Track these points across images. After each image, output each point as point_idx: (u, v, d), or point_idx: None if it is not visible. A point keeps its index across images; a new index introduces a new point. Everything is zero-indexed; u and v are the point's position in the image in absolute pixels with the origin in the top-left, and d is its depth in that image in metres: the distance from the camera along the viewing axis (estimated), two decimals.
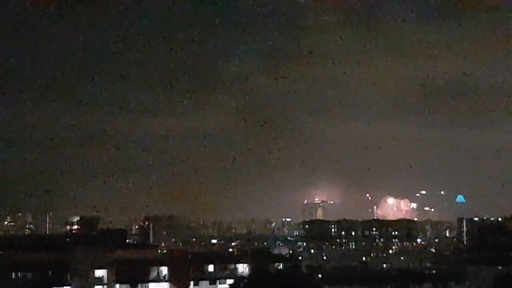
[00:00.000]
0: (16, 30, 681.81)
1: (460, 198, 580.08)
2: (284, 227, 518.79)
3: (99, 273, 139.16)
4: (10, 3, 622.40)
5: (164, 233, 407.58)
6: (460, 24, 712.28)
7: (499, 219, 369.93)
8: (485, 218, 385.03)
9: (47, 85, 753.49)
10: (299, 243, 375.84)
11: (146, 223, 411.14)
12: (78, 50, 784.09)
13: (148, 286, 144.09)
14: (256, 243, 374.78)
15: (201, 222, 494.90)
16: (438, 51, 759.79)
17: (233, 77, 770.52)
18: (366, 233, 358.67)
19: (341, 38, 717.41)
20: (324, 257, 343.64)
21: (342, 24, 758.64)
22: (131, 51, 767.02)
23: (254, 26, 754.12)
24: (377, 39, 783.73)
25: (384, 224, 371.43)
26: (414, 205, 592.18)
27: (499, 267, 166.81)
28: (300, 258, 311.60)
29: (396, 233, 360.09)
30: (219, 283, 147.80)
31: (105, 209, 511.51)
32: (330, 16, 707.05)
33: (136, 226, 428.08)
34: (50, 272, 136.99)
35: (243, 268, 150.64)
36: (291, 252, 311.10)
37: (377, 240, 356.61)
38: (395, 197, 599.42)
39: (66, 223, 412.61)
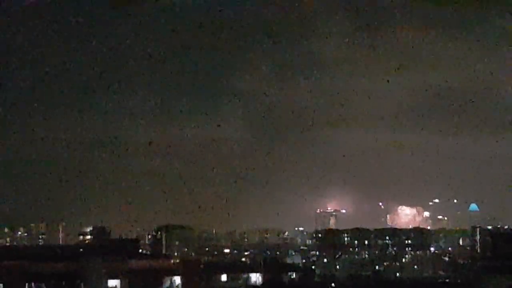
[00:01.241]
0: (14, 33, 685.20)
1: (473, 206, 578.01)
2: (296, 236, 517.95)
3: (113, 283, 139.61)
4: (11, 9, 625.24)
5: (177, 243, 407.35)
6: (467, 34, 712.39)
7: None
8: (498, 226, 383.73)
9: (59, 92, 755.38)
10: (312, 252, 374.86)
11: (159, 233, 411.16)
12: (86, 56, 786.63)
13: None
14: (268, 253, 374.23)
15: (214, 232, 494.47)
16: (450, 60, 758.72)
17: (246, 87, 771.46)
18: (379, 241, 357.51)
19: (353, 48, 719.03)
20: (337, 266, 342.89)
21: (353, 35, 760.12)
22: (143, 61, 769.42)
23: (265, 36, 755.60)
24: (389, 49, 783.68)
25: (397, 233, 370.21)
26: (427, 213, 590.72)
27: None
28: (313, 267, 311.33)
29: (409, 241, 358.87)
30: None
31: (118, 219, 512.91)
32: (338, 26, 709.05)
33: (149, 236, 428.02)
34: (63, 282, 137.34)
35: (256, 278, 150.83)
36: (304, 261, 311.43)
37: (390, 249, 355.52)
38: (407, 206, 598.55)
39: (79, 234, 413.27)
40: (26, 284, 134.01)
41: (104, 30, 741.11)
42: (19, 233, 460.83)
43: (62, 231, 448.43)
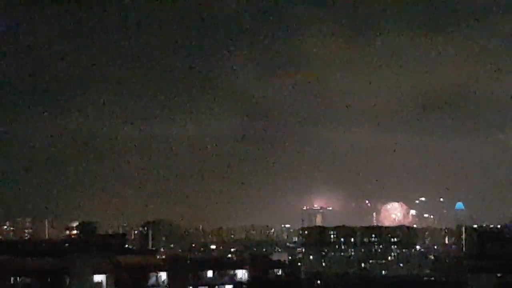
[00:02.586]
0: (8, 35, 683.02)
1: (459, 205, 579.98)
2: (283, 233, 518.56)
3: (98, 278, 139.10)
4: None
5: (163, 238, 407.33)
6: (457, 36, 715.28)
7: (498, 226, 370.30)
8: (484, 225, 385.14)
9: (47, 91, 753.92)
10: (298, 249, 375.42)
11: (145, 228, 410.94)
12: (73, 56, 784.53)
13: None
14: (255, 249, 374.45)
15: (201, 228, 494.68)
16: (438, 62, 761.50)
17: (232, 84, 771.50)
18: (365, 239, 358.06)
19: (341, 48, 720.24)
20: (323, 264, 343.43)
21: (341, 34, 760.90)
22: (130, 58, 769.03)
23: (253, 34, 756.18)
24: (377, 49, 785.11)
25: (383, 231, 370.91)
26: (413, 212, 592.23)
27: (499, 275, 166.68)
28: (299, 264, 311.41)
29: (395, 239, 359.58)
30: None
31: (104, 214, 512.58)
32: (329, 26, 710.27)
33: (135, 232, 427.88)
34: (49, 277, 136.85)
35: (242, 274, 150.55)
36: (290, 258, 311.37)
37: (376, 246, 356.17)
38: (394, 204, 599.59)
39: (65, 228, 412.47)
40: (12, 279, 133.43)
41: (90, 29, 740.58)
42: (5, 227, 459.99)
43: (48, 226, 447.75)
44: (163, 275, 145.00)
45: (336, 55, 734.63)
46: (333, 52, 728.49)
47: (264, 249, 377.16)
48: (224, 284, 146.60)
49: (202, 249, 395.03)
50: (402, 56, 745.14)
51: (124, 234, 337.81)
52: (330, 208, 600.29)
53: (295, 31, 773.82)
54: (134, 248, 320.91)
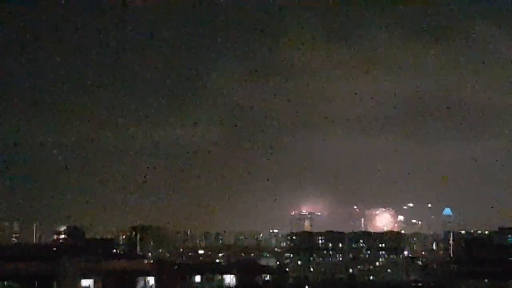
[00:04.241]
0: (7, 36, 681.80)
1: (447, 211, 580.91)
2: (271, 238, 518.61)
3: (86, 282, 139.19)
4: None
5: (151, 243, 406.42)
6: (445, 41, 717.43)
7: (486, 232, 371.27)
8: (472, 231, 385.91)
9: (34, 94, 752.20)
10: (286, 254, 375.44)
11: (133, 233, 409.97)
12: (63, 60, 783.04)
13: None
14: (243, 254, 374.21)
15: (189, 233, 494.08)
16: (424, 68, 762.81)
17: (218, 91, 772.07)
18: (353, 245, 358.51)
19: (326, 53, 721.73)
20: (311, 269, 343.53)
21: (326, 40, 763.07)
22: (118, 63, 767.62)
23: (237, 40, 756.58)
24: (363, 54, 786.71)
25: (371, 236, 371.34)
26: (401, 217, 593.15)
27: (486, 281, 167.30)
28: (287, 269, 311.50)
29: (383, 245, 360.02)
30: None
31: (92, 218, 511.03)
32: (313, 31, 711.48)
33: (123, 236, 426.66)
34: (37, 282, 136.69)
35: (230, 279, 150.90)
36: (278, 263, 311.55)
37: (364, 252, 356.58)
38: (382, 209, 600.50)
39: (53, 233, 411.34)
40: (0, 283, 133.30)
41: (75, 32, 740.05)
42: None
43: (36, 230, 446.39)
44: (151, 280, 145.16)
45: (322, 60, 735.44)
46: (319, 58, 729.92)
47: (252, 254, 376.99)
48: None
49: (190, 254, 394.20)
50: (388, 62, 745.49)
51: (112, 239, 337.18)
52: (319, 214, 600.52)
53: (281, 37, 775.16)
54: (122, 252, 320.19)
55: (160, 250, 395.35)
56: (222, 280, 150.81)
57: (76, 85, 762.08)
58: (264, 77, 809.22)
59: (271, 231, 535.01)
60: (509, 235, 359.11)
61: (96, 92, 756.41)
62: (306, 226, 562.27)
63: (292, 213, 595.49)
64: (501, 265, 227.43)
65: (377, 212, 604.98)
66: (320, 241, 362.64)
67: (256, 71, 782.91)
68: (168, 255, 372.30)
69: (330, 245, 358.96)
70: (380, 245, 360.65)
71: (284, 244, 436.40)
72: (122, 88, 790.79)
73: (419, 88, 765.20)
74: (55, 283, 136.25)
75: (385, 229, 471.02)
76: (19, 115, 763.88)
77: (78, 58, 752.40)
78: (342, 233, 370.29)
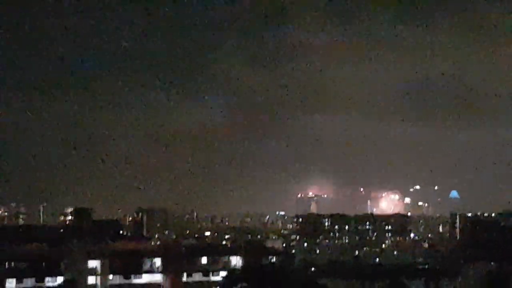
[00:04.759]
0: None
1: (453, 193, 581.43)
2: (277, 220, 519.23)
3: (93, 264, 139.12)
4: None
5: (158, 225, 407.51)
6: (451, 26, 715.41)
7: (493, 215, 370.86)
8: (478, 213, 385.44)
9: (41, 79, 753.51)
10: (293, 236, 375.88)
11: (140, 215, 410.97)
12: (69, 46, 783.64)
13: (141, 277, 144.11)
14: (249, 236, 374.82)
15: (195, 215, 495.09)
16: (432, 51, 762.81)
17: (225, 74, 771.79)
18: (360, 227, 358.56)
19: (332, 37, 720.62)
20: (317, 251, 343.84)
21: (331, 23, 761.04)
22: (121, 49, 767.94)
23: (242, 24, 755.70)
24: (369, 38, 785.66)
25: (378, 219, 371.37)
26: (407, 199, 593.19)
27: (492, 263, 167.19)
28: (293, 251, 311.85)
29: (390, 227, 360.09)
30: (212, 275, 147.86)
31: (99, 200, 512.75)
32: (318, 15, 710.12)
33: (130, 218, 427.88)
34: (43, 263, 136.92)
35: (236, 261, 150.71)
36: (284, 245, 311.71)
37: (370, 234, 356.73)
38: (388, 192, 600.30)
39: (60, 214, 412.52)
40: (6, 264, 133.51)
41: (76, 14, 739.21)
42: None
43: (43, 212, 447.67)
44: (157, 261, 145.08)
45: (329, 44, 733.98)
46: (325, 41, 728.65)
47: (258, 236, 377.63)
48: (218, 270, 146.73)
49: (196, 235, 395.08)
50: (395, 45, 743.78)
51: (118, 221, 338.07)
52: (325, 196, 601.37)
53: (286, 21, 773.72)
54: (129, 234, 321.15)
55: (167, 232, 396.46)
56: (228, 261, 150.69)
57: (82, 68, 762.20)
58: (270, 60, 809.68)
59: (277, 213, 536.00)
60: None
61: (103, 76, 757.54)
62: (312, 208, 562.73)
63: (299, 196, 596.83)
64: (507, 247, 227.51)
65: (383, 195, 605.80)
66: (326, 223, 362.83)
67: (261, 54, 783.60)
68: (174, 236, 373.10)
69: (336, 227, 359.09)
70: (386, 227, 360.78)
71: (290, 226, 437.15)
72: (128, 71, 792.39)
73: (428, 72, 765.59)
74: (62, 264, 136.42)
75: (391, 211, 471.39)
76: (24, 97, 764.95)
77: (82, 40, 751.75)
78: (348, 215, 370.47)
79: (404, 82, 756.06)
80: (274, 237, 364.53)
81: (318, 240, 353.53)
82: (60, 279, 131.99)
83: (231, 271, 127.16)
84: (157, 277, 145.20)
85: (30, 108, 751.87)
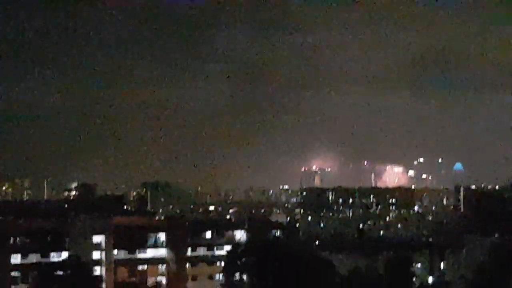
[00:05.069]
0: None
1: (458, 166, 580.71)
2: (281, 194, 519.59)
3: (97, 239, 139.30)
4: None
5: (162, 199, 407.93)
6: None
7: (497, 187, 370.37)
8: (482, 186, 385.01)
9: (45, 54, 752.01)
10: (297, 210, 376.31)
11: (144, 189, 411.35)
12: (69, 20, 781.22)
13: (146, 252, 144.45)
14: (253, 210, 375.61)
15: (199, 189, 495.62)
16: (435, 22, 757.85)
17: (226, 48, 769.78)
18: (364, 200, 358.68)
19: (337, 9, 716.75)
20: (321, 225, 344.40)
21: None
22: (122, 21, 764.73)
23: None
24: (374, 9, 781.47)
25: (382, 192, 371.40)
26: (411, 172, 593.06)
27: (496, 236, 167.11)
28: (297, 225, 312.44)
29: (394, 201, 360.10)
30: (217, 250, 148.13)
31: (103, 175, 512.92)
32: None
33: (134, 193, 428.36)
34: (48, 238, 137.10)
35: (240, 235, 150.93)
36: (288, 219, 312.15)
37: (374, 208, 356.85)
38: (392, 165, 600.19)
39: (64, 189, 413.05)
40: (11, 240, 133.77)
41: None
42: (4, 188, 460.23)
43: (47, 187, 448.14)
44: (162, 236, 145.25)
45: (332, 16, 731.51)
46: (329, 14, 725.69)
47: (262, 210, 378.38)
48: (222, 245, 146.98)
49: (200, 210, 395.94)
50: (400, 17, 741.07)
51: (122, 196, 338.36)
52: (329, 169, 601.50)
53: None
54: (133, 209, 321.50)
55: (171, 207, 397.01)
56: (233, 236, 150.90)
57: (85, 44, 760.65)
58: (273, 34, 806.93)
59: (281, 187, 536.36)
60: None
61: (108, 51, 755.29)
62: (316, 182, 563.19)
63: (302, 169, 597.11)
64: (511, 220, 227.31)
65: (387, 168, 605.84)
66: (330, 197, 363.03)
67: (264, 28, 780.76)
68: (178, 211, 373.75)
69: (340, 201, 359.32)
70: (390, 200, 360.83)
71: (294, 200, 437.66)
72: (130, 49, 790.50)
73: (430, 43, 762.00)
74: (66, 239, 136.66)
75: (395, 184, 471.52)
76: (27, 73, 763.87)
77: (87, 20, 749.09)
78: (352, 188, 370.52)
79: (409, 54, 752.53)
80: (278, 211, 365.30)
81: (322, 214, 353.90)
82: (64, 254, 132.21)
83: (236, 245, 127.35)
84: (162, 252, 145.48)
85: (35, 83, 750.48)
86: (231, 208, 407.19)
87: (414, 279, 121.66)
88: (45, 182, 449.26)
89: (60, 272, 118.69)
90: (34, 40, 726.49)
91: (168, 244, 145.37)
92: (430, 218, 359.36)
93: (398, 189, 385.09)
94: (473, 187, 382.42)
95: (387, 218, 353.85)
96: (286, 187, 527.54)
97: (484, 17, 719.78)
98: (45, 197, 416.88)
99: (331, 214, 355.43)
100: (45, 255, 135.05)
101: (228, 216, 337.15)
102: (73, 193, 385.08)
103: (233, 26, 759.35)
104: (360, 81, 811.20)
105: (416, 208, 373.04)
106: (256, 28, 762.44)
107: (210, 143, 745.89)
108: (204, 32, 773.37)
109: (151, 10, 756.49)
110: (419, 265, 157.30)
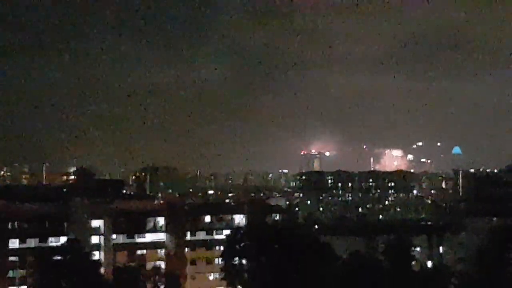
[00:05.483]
0: None
1: (456, 149, 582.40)
2: (281, 178, 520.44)
3: (96, 223, 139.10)
4: None
5: (161, 183, 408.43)
6: None
7: (495, 170, 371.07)
8: (481, 169, 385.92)
9: (41, 39, 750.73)
10: (296, 194, 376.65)
11: (143, 174, 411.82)
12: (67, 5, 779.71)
13: (145, 236, 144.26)
14: (253, 194, 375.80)
15: (198, 173, 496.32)
16: (433, 7, 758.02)
17: (223, 32, 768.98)
18: (363, 184, 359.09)
19: None
20: (321, 208, 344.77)
21: None
22: (121, 4, 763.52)
23: None
24: None
25: (381, 175, 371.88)
26: (410, 156, 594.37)
27: (494, 218, 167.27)
28: (297, 209, 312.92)
29: (393, 184, 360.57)
30: (216, 234, 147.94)
31: (102, 159, 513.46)
32: None
33: (133, 177, 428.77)
34: (47, 222, 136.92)
35: (239, 219, 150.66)
36: (288, 203, 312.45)
37: (373, 191, 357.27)
38: (391, 148, 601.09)
39: (63, 174, 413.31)
40: (9, 224, 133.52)
41: None
42: (2, 172, 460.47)
43: (45, 171, 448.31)
44: (161, 220, 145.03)
45: (334, 2, 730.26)
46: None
47: (262, 194, 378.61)
48: (222, 229, 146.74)
49: (200, 194, 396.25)
50: (399, 3, 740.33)
51: (121, 180, 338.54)
52: (328, 153, 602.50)
53: None
54: (132, 193, 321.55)
55: (170, 191, 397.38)
56: (232, 220, 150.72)
57: (86, 27, 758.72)
58: (270, 18, 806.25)
59: (280, 171, 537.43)
60: None
61: (103, 36, 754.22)
62: (316, 165, 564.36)
63: (302, 153, 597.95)
64: (510, 203, 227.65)
65: (386, 152, 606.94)
66: (329, 181, 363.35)
67: (261, 11, 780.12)
68: (177, 195, 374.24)
69: (340, 184, 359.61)
70: (389, 184, 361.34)
71: (294, 184, 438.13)
72: (128, 32, 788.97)
73: (428, 25, 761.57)
74: (65, 224, 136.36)
75: (394, 168, 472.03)
76: (27, 58, 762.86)
77: (84, 5, 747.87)
78: (351, 172, 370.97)
79: (408, 37, 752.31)
80: (277, 195, 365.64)
81: (321, 197, 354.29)
82: (63, 239, 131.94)
83: (235, 229, 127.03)
84: (161, 236, 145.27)
85: (33, 68, 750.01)
86: (230, 192, 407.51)
87: (413, 262, 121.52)
88: (44, 167, 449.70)
89: (58, 257, 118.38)
90: (29, 29, 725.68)
91: (167, 229, 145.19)
92: (429, 201, 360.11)
93: (397, 172, 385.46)
94: (472, 170, 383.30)
95: (386, 202, 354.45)
96: (285, 170, 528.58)
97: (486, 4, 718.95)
98: (44, 181, 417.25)
99: (330, 198, 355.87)
100: (44, 240, 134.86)
101: (227, 200, 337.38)
102: (72, 177, 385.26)
103: (231, 9, 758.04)
104: (359, 65, 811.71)
105: (415, 191, 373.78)
106: (254, 12, 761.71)
107: (209, 127, 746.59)
108: (200, 17, 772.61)
109: None
110: (418, 248, 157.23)
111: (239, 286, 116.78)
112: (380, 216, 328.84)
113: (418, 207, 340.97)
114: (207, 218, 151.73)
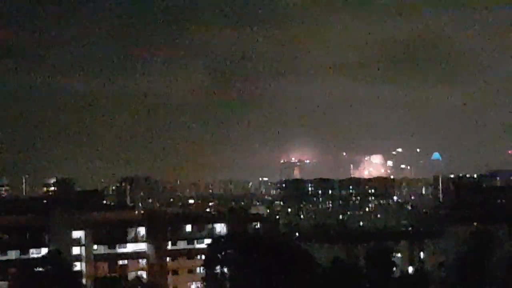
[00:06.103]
0: None
1: (436, 155, 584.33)
2: (261, 186, 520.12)
3: (77, 234, 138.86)
4: None
5: (141, 193, 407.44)
6: None
7: (475, 176, 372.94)
8: (461, 175, 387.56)
9: (20, 48, 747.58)
10: (276, 202, 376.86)
11: (123, 184, 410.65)
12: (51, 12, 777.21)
13: (126, 247, 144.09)
14: (233, 203, 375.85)
15: (178, 183, 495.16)
16: (409, 14, 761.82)
17: (204, 40, 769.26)
18: (343, 191, 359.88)
19: (315, 2, 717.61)
20: (301, 216, 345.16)
21: None
22: (103, 13, 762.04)
23: None
24: (349, 2, 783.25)
25: (361, 182, 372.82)
26: (390, 163, 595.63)
27: (475, 224, 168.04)
28: (277, 217, 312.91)
29: (373, 191, 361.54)
30: (197, 243, 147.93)
31: (82, 170, 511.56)
32: None
33: (113, 188, 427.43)
34: (28, 234, 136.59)
35: (220, 228, 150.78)
36: (268, 211, 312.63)
37: (353, 198, 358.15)
38: (371, 155, 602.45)
39: (43, 185, 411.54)
40: None
41: None
42: None
43: (25, 183, 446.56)
44: (141, 230, 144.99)
45: (310, 9, 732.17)
46: (307, 6, 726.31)
47: (242, 203, 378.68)
48: (202, 238, 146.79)
49: (180, 203, 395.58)
50: (375, 9, 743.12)
51: (101, 191, 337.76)
52: (308, 161, 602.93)
53: None
54: (112, 203, 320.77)
55: (150, 201, 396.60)
56: (213, 229, 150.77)
57: (61, 37, 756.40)
58: (251, 26, 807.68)
59: (260, 179, 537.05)
60: (497, 178, 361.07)
61: (83, 46, 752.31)
62: (296, 173, 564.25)
63: (282, 161, 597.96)
64: (490, 208, 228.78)
65: (366, 158, 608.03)
66: (309, 189, 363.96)
67: (243, 19, 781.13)
68: (158, 205, 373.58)
69: (320, 192, 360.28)
70: (369, 191, 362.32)
71: (274, 192, 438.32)
72: (109, 41, 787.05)
73: (407, 33, 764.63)
74: (46, 235, 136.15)
75: (374, 175, 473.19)
76: (3, 68, 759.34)
77: (64, 11, 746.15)
78: (331, 180, 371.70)
79: (386, 45, 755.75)
80: (258, 203, 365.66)
81: (302, 205, 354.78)
82: (44, 250, 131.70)
83: (216, 238, 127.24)
84: (142, 246, 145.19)
85: (10, 77, 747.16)
86: (210, 201, 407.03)
87: (394, 268, 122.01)
88: (23, 178, 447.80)
89: (40, 268, 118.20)
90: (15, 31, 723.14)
91: (148, 238, 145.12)
92: (409, 207, 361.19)
93: (377, 179, 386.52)
94: (451, 176, 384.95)
95: (367, 209, 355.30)
96: (265, 179, 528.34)
97: (467, 6, 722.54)
98: (24, 193, 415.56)
99: (311, 205, 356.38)
100: (25, 251, 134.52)
101: (208, 209, 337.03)
102: (52, 188, 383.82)
103: (211, 17, 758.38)
104: (338, 73, 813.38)
105: (395, 198, 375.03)
106: (234, 21, 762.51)
107: (189, 136, 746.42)
108: (182, 25, 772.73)
109: (134, 2, 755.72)
110: (399, 254, 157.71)
111: None
112: (361, 223, 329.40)
113: (398, 214, 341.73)
114: (188, 228, 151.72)
